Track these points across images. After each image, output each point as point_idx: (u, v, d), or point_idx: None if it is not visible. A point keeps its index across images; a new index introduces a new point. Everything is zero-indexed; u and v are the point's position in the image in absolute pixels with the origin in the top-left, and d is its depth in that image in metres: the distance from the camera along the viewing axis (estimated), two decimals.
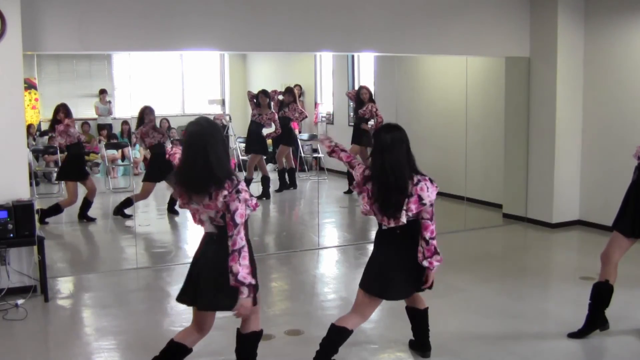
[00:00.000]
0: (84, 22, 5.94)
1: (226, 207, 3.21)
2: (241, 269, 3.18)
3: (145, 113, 8.30)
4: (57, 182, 9.04)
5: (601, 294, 4.43)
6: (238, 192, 3.22)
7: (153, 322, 5.04)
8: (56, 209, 8.01)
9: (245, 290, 3.21)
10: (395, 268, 3.78)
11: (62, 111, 7.89)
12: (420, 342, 4.32)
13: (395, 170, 3.61)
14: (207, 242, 3.41)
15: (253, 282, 3.26)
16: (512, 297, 5.54)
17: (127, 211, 8.31)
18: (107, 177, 10.06)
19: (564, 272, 6.43)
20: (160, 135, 8.36)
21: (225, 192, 3.20)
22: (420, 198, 3.62)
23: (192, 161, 3.26)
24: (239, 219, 3.20)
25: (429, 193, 3.64)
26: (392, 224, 3.68)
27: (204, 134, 3.27)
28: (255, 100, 9.61)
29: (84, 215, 8.32)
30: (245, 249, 3.22)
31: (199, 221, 3.39)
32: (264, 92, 9.56)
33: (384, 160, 3.63)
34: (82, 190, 8.27)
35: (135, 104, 9.21)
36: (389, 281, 3.80)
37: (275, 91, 9.87)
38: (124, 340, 4.67)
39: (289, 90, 10.11)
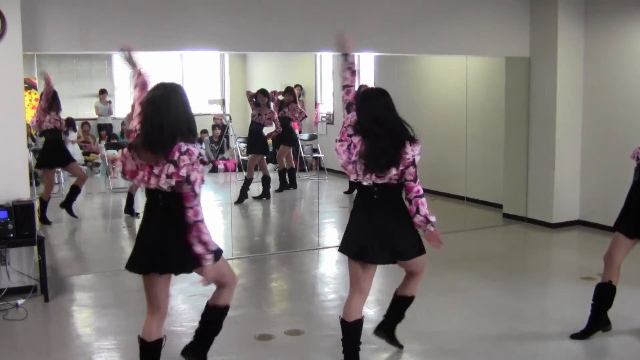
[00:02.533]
0: (84, 22, 5.93)
1: (186, 177, 3.18)
2: (208, 237, 3.24)
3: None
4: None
5: (604, 295, 4.43)
6: (202, 162, 3.23)
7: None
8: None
9: (210, 257, 3.27)
10: (368, 235, 3.71)
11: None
12: (386, 325, 4.30)
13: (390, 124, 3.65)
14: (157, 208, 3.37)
15: (215, 247, 3.32)
16: (512, 297, 5.54)
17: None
18: (107, 177, 10.06)
19: (564, 272, 6.43)
20: None
21: (186, 158, 3.18)
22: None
23: (152, 119, 3.24)
24: (198, 189, 3.21)
25: (412, 152, 3.60)
26: (374, 180, 3.63)
27: (166, 94, 3.32)
28: (254, 100, 9.61)
29: (67, 205, 8.16)
30: (204, 220, 3.26)
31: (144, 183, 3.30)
32: (262, 92, 9.55)
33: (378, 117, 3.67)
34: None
35: None
36: (365, 246, 3.73)
37: (275, 92, 9.87)
38: (124, 340, 4.67)
39: (289, 90, 10.11)
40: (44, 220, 7.95)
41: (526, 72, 8.17)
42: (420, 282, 4.12)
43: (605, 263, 4.43)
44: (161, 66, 11.89)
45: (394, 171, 3.59)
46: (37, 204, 6.62)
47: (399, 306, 4.20)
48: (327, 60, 11.46)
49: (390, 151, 3.59)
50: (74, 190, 8.19)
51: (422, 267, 4.04)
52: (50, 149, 7.93)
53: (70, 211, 8.21)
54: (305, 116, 10.45)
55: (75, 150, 10.64)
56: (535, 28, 8.01)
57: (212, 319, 3.80)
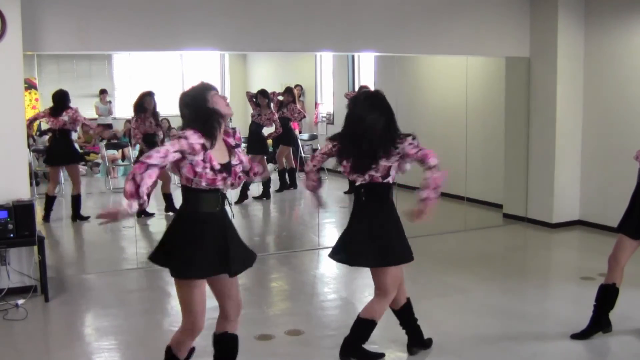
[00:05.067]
0: (84, 22, 5.93)
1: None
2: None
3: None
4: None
5: (607, 296, 4.42)
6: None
7: (153, 322, 5.04)
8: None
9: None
10: (359, 236, 3.85)
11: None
12: (415, 338, 4.28)
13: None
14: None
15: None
16: (512, 297, 5.54)
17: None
18: (108, 177, 10.05)
19: (564, 272, 6.43)
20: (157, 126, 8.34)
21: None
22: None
23: None
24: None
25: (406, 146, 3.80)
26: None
27: None
28: (254, 100, 9.61)
29: (77, 216, 8.24)
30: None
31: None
32: (262, 93, 9.56)
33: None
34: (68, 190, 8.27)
35: None
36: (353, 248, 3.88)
37: (274, 92, 9.87)
38: (124, 340, 4.67)
39: (288, 91, 10.11)
40: (47, 218, 8.03)
41: (526, 72, 8.17)
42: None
43: (609, 265, 4.42)
44: (161, 66, 11.90)
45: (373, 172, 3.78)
46: (37, 204, 6.60)
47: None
48: (327, 60, 11.45)
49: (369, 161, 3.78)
50: (76, 200, 8.21)
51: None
52: (59, 147, 8.00)
53: (81, 217, 8.26)
54: (304, 116, 10.45)
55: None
56: (535, 28, 8.01)
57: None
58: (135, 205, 3.04)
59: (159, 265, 3.43)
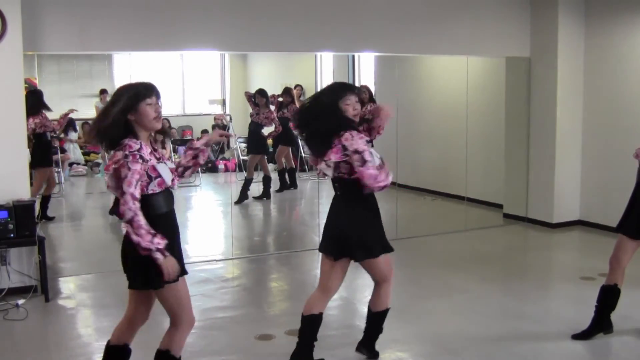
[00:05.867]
0: (84, 22, 5.94)
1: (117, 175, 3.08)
2: (140, 238, 3.00)
3: None
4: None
5: (609, 297, 4.42)
6: (126, 156, 3.07)
7: (153, 322, 5.01)
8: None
9: (158, 255, 3.03)
10: (329, 226, 3.86)
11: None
12: (368, 344, 4.15)
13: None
14: None
15: (161, 244, 3.04)
16: (512, 297, 5.54)
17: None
18: None
19: (565, 272, 6.43)
20: None
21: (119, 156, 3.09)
22: (343, 147, 3.67)
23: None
24: (125, 187, 3.04)
25: (353, 141, 3.67)
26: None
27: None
28: (253, 100, 9.62)
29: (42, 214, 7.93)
30: (137, 218, 3.02)
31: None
32: (260, 92, 9.56)
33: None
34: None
35: None
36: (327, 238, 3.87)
37: (273, 95, 9.87)
38: None
39: (286, 91, 10.11)
40: (46, 217, 7.95)
41: (526, 72, 8.16)
42: (391, 292, 3.98)
43: (611, 266, 4.41)
44: (161, 66, 11.90)
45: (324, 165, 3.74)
46: (37, 204, 6.59)
47: (376, 321, 4.05)
48: (327, 60, 11.45)
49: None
50: (45, 200, 7.98)
51: (380, 273, 3.91)
52: (33, 149, 7.80)
53: (46, 217, 8.01)
54: None
55: (75, 150, 10.66)
56: (536, 28, 8.01)
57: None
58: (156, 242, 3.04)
59: (149, 289, 3.30)
